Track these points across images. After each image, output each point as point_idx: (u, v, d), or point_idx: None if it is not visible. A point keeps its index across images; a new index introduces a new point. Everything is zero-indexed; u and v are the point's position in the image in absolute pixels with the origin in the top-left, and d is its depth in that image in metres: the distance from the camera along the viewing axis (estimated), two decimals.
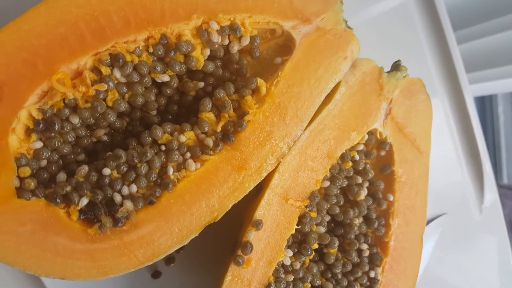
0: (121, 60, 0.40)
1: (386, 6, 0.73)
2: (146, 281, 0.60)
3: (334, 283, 0.55)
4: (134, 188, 0.46)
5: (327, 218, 0.56)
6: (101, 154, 0.48)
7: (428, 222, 0.75)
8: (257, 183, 0.50)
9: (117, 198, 0.46)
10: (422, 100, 0.56)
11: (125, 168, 0.46)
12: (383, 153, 0.57)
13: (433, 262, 0.77)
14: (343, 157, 0.54)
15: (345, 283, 0.55)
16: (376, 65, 0.53)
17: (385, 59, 0.56)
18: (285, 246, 0.52)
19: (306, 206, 0.52)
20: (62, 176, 0.45)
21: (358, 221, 0.56)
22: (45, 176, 0.45)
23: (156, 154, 0.47)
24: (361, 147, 0.55)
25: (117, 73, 0.41)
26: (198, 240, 0.62)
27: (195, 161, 0.48)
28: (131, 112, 0.49)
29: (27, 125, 0.41)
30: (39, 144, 0.42)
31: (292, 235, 0.53)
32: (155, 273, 0.60)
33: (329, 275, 0.55)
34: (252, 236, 0.49)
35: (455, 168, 0.81)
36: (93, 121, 0.46)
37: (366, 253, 0.56)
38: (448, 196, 0.79)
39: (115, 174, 0.46)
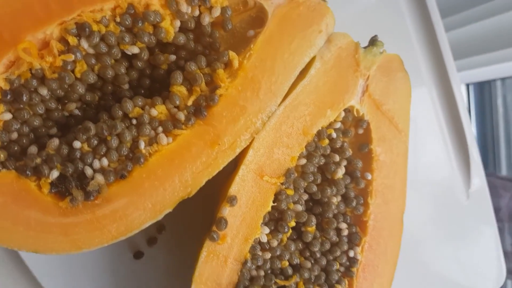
0: (87, 29, 0.40)
1: None
2: (128, 262, 0.61)
3: (312, 262, 0.54)
4: (105, 162, 0.47)
5: (305, 196, 0.55)
6: (73, 129, 0.48)
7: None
8: (231, 159, 0.50)
9: (88, 171, 0.46)
10: (400, 77, 0.56)
11: (96, 142, 0.46)
12: (360, 131, 0.56)
13: (416, 246, 0.76)
14: (319, 134, 0.53)
15: (324, 262, 0.55)
16: (352, 40, 0.53)
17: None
18: (262, 223, 0.52)
19: (282, 183, 0.52)
20: (33, 149, 0.46)
21: (336, 199, 0.56)
22: (16, 149, 0.46)
23: (127, 128, 0.47)
24: (338, 125, 0.55)
25: (84, 44, 0.42)
26: (180, 221, 0.62)
27: (167, 136, 0.48)
28: (102, 86, 0.50)
29: None
30: (8, 116, 0.43)
31: (268, 212, 0.53)
32: (137, 253, 0.61)
33: (308, 254, 0.55)
34: (227, 212, 0.49)
35: (442, 154, 0.80)
36: (62, 93, 0.47)
37: (345, 233, 0.56)
38: (434, 182, 0.78)
39: (85, 147, 0.47)
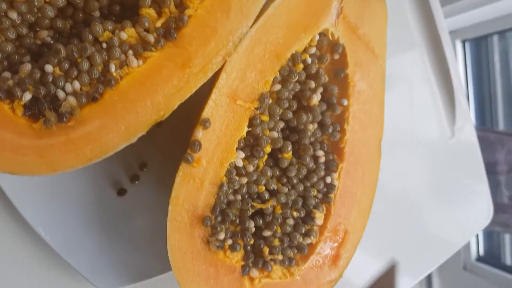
0: None
1: None
2: (111, 199, 0.63)
3: (289, 187, 0.55)
4: (77, 85, 0.48)
5: (281, 124, 0.56)
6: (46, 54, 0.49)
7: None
8: (202, 82, 0.51)
9: (61, 94, 0.48)
10: (376, 0, 0.56)
11: (67, 65, 0.47)
12: (336, 56, 0.57)
13: (397, 178, 0.77)
14: (293, 59, 0.54)
15: (301, 188, 0.56)
16: None
17: None
18: (237, 149, 0.53)
19: (256, 108, 0.53)
20: (6, 74, 0.46)
21: (312, 126, 0.57)
22: None
23: (98, 51, 0.47)
24: (313, 50, 0.56)
25: None
26: (161, 158, 0.63)
27: (137, 58, 0.49)
28: (73, 14, 0.50)
29: None
30: None
31: (244, 138, 0.54)
32: (120, 190, 0.62)
33: (285, 180, 0.56)
34: (200, 134, 0.50)
35: (434, 111, 0.80)
36: (33, 19, 0.48)
37: (322, 160, 0.57)
38: (419, 120, 0.79)
39: (57, 71, 0.48)
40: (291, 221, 0.57)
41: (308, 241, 0.57)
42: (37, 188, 0.60)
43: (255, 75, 0.54)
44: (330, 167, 0.59)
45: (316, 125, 0.59)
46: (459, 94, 0.83)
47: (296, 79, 0.57)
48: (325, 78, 0.58)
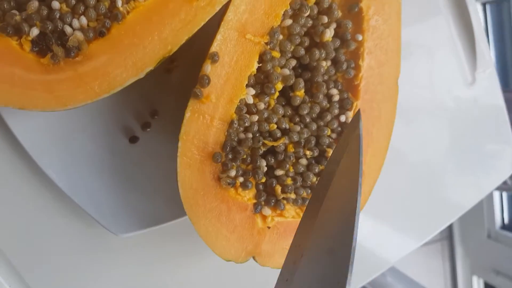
0: None
1: None
2: (124, 146, 0.64)
3: (302, 126, 0.55)
4: (84, 20, 0.49)
5: (293, 62, 0.56)
6: None
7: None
8: (210, 16, 0.52)
9: (68, 29, 0.49)
10: None
11: (74, 1, 0.48)
12: None
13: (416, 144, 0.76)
14: None
15: (314, 127, 0.55)
16: None
17: None
18: (247, 85, 0.52)
19: (266, 43, 0.53)
20: (13, 11, 0.47)
21: (325, 63, 0.55)
22: None
23: None
24: None
25: None
26: (173, 105, 0.63)
27: None
28: None
29: None
30: None
31: (254, 75, 0.54)
32: (132, 138, 0.63)
33: (297, 119, 0.55)
34: (209, 69, 0.50)
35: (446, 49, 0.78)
36: None
37: (336, 98, 0.57)
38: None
39: (64, 7, 0.49)
40: (304, 161, 0.57)
41: None
42: (50, 134, 0.61)
43: (265, 8, 0.53)
44: (344, 106, 0.58)
45: (329, 62, 0.58)
46: (480, 41, 0.80)
47: (307, 13, 0.56)
48: (338, 13, 0.57)
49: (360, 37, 0.58)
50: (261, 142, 0.55)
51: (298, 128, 0.56)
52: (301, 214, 0.57)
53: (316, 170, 0.57)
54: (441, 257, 1.76)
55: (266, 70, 0.55)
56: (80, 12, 0.49)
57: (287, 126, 0.57)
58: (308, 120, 0.57)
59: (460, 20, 0.79)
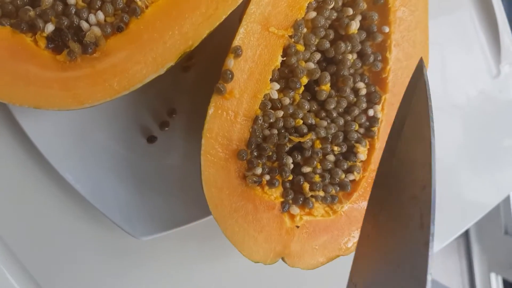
0: None
1: None
2: (141, 146, 0.61)
3: (328, 121, 0.52)
4: (101, 15, 0.47)
5: (318, 56, 0.53)
6: None
7: None
8: (232, 9, 0.49)
9: (84, 25, 0.46)
10: None
11: None
12: None
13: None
14: None
15: (341, 122, 0.52)
16: None
17: None
18: (271, 80, 0.49)
19: (290, 36, 0.50)
20: (27, 7, 0.44)
21: (351, 56, 0.52)
22: (10, 8, 0.44)
23: None
24: None
25: None
26: (192, 104, 0.61)
27: None
28: None
29: None
30: None
31: (278, 69, 0.51)
32: (150, 137, 0.60)
33: (323, 114, 0.52)
34: (232, 63, 0.47)
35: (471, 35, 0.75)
36: None
37: (363, 92, 0.54)
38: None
39: (80, 2, 0.46)
40: (331, 157, 0.54)
41: (351, 177, 0.54)
42: (66, 136, 0.59)
43: (288, 0, 0.50)
44: (372, 99, 0.55)
45: (355, 55, 0.55)
46: (504, 33, 0.77)
47: (332, 5, 0.53)
48: (363, 5, 0.54)
49: (386, 29, 0.55)
50: (287, 138, 0.51)
51: (325, 123, 0.53)
52: (331, 213, 0.54)
53: (345, 167, 0.54)
54: (458, 254, 1.72)
55: (291, 64, 0.52)
56: (97, 7, 0.47)
57: (314, 122, 0.53)
58: (335, 115, 0.54)
59: (483, 13, 0.76)
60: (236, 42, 0.49)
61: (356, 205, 0.54)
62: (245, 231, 0.50)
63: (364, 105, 0.55)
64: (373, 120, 0.55)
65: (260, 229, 0.51)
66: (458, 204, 0.79)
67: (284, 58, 0.51)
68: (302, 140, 0.52)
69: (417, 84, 0.38)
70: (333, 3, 0.53)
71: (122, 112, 0.61)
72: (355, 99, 0.55)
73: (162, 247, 0.64)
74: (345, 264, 0.51)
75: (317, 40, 0.53)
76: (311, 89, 0.55)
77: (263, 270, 0.55)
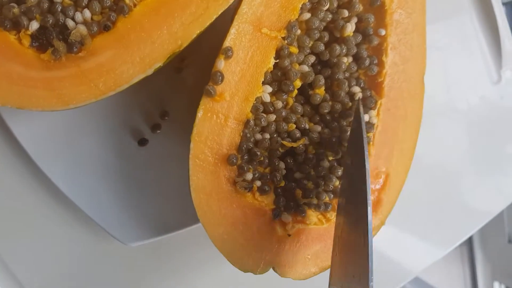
0: None
1: None
2: (132, 149, 0.59)
3: (322, 126, 0.49)
4: (87, 13, 0.45)
5: (312, 59, 0.51)
6: None
7: None
8: (223, 8, 0.47)
9: (70, 23, 0.45)
10: None
11: None
12: None
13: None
14: None
15: (335, 127, 0.50)
16: None
17: None
18: (263, 82, 0.48)
19: (283, 38, 0.48)
20: (12, 4, 0.43)
21: (346, 60, 0.50)
22: None
23: None
24: None
25: None
26: (184, 106, 0.59)
27: None
28: None
29: None
30: None
31: (271, 72, 0.49)
32: (141, 140, 0.58)
33: (317, 118, 0.50)
34: (222, 65, 0.45)
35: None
36: None
37: (359, 96, 0.51)
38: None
39: (66, 0, 0.44)
40: (325, 163, 0.52)
41: None
42: (54, 138, 0.57)
43: (282, 1, 0.49)
44: (367, 104, 0.53)
45: (350, 58, 0.53)
46: (505, 39, 0.75)
47: (327, 6, 0.51)
48: (359, 7, 0.52)
49: (383, 32, 0.53)
50: (279, 143, 0.49)
51: (318, 128, 0.51)
52: (324, 221, 0.51)
53: (339, 173, 0.52)
54: (461, 262, 1.69)
55: (284, 67, 0.50)
56: (84, 4, 0.45)
57: (307, 126, 0.51)
58: (329, 119, 0.52)
59: (484, 18, 0.74)
60: (227, 43, 0.47)
61: None
62: (235, 239, 0.48)
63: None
64: (368, 126, 0.53)
65: (250, 237, 0.49)
66: (461, 211, 0.76)
67: (277, 61, 0.49)
68: (295, 145, 0.50)
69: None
70: (328, 4, 0.51)
71: (112, 114, 0.59)
72: (350, 103, 0.53)
73: (151, 254, 0.62)
74: None
75: (311, 42, 0.51)
76: (304, 93, 0.53)
77: (253, 279, 0.52)
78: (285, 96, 0.50)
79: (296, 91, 0.51)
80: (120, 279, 0.62)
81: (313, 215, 0.51)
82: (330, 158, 0.52)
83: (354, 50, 0.52)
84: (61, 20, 0.44)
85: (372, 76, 0.54)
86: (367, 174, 0.43)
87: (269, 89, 0.50)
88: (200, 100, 0.48)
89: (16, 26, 0.44)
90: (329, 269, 0.51)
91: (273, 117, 0.50)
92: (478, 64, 0.74)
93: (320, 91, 0.52)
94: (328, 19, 0.52)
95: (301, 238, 0.50)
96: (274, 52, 0.49)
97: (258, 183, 0.49)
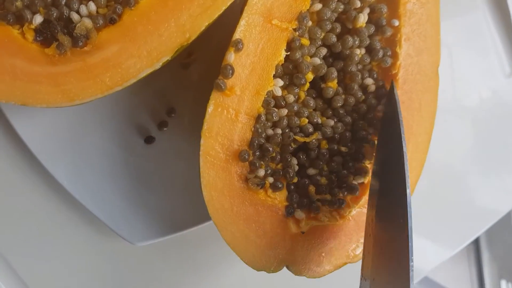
0: None
1: None
2: (139, 147, 0.57)
3: (335, 120, 0.48)
4: (92, 6, 0.44)
5: (323, 51, 0.50)
6: None
7: None
8: (232, 0, 0.44)
9: (75, 16, 0.43)
10: None
11: None
12: None
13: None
14: None
15: (348, 120, 0.48)
16: None
17: None
18: (274, 76, 0.46)
19: (294, 30, 0.46)
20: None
21: (359, 51, 0.49)
22: None
23: None
24: None
25: None
26: (192, 103, 0.58)
27: None
28: None
29: None
30: None
31: (282, 65, 0.47)
32: (148, 138, 0.57)
33: (330, 112, 0.49)
34: (232, 58, 0.44)
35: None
36: None
37: (372, 88, 0.50)
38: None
39: None
40: (339, 158, 0.50)
41: (360, 180, 0.50)
42: (60, 136, 0.56)
43: None
44: (381, 97, 0.51)
45: (363, 50, 0.51)
46: None
47: None
48: None
49: (396, 23, 0.51)
50: (291, 139, 0.48)
51: (331, 122, 0.50)
52: (338, 218, 0.50)
53: (353, 169, 0.50)
54: (467, 261, 1.67)
55: (295, 59, 0.48)
56: None
57: (320, 121, 0.50)
58: (342, 113, 0.50)
59: (497, 10, 0.72)
60: (237, 35, 0.45)
61: (365, 210, 0.50)
62: (247, 237, 0.47)
63: (373, 102, 0.51)
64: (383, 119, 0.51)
65: (263, 235, 0.47)
66: (469, 211, 0.75)
67: (288, 53, 0.48)
68: (307, 140, 0.48)
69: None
70: None
71: (118, 112, 0.58)
72: (363, 96, 0.51)
73: (159, 253, 0.60)
74: (353, 272, 0.47)
75: (323, 34, 0.50)
76: (316, 86, 0.51)
77: (266, 278, 0.51)
78: (296, 90, 0.49)
79: (308, 85, 0.49)
80: (127, 280, 0.60)
81: (327, 212, 0.49)
82: (344, 154, 0.50)
83: (367, 42, 0.51)
84: (65, 14, 0.43)
85: (385, 68, 0.52)
86: (404, 156, 0.42)
87: (280, 82, 0.48)
88: (210, 95, 0.46)
89: (20, 20, 0.42)
90: (343, 267, 0.49)
91: (284, 111, 0.48)
92: (490, 58, 0.72)
93: (333, 84, 0.50)
94: (340, 9, 0.50)
95: (315, 236, 0.49)
96: (285, 44, 0.48)
97: (271, 179, 0.47)
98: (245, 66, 0.46)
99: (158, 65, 0.45)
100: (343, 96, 0.50)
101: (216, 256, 0.61)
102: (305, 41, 0.49)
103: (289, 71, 0.49)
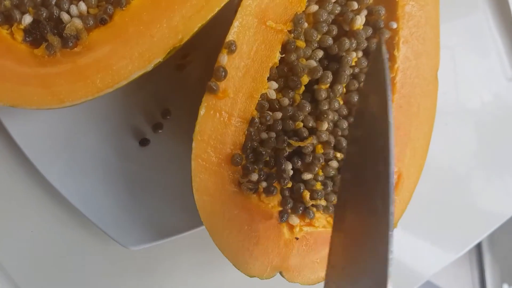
0: None
1: None
2: (133, 150, 0.56)
3: (330, 124, 0.47)
4: (83, 6, 0.43)
5: (320, 53, 0.48)
6: None
7: None
8: (226, 0, 0.43)
9: (65, 16, 0.42)
10: None
11: None
12: None
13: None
14: None
15: (344, 125, 0.47)
16: None
17: None
18: (269, 78, 0.45)
19: (290, 31, 0.45)
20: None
21: (356, 54, 0.47)
22: None
23: None
24: None
25: None
26: (187, 104, 0.57)
27: None
28: None
29: None
30: None
31: (277, 68, 0.46)
32: (143, 140, 0.56)
33: (325, 116, 0.47)
34: (225, 60, 0.42)
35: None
36: None
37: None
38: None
39: None
40: (334, 163, 0.49)
41: None
42: (52, 138, 0.55)
43: None
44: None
45: (360, 53, 0.50)
46: None
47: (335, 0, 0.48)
48: None
49: (394, 25, 0.50)
50: (286, 143, 0.47)
51: (326, 125, 0.48)
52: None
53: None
54: (469, 264, 1.65)
55: (290, 62, 0.47)
56: None
57: (315, 125, 0.48)
58: (337, 118, 0.49)
59: (499, 13, 0.71)
60: (230, 36, 0.44)
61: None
62: (240, 243, 0.46)
63: None
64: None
65: (256, 241, 0.46)
66: (472, 214, 0.73)
67: (283, 55, 0.47)
68: (302, 144, 0.47)
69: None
70: None
71: (112, 113, 0.57)
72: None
73: (153, 258, 0.59)
74: None
75: (319, 36, 0.48)
76: (311, 89, 0.50)
77: (259, 285, 0.49)
78: (291, 93, 0.47)
79: (303, 88, 0.48)
80: (121, 284, 0.59)
81: (321, 218, 0.48)
82: (339, 158, 0.49)
83: (365, 44, 0.49)
84: (55, 14, 0.42)
85: None
86: (390, 131, 0.31)
87: (275, 85, 0.47)
88: (203, 97, 0.45)
89: (8, 20, 0.42)
90: None
91: (279, 114, 0.47)
92: (492, 61, 0.71)
93: (325, 87, 0.49)
94: (336, 11, 0.49)
95: (309, 242, 0.47)
96: (280, 47, 0.46)
97: (264, 184, 0.46)
98: (239, 68, 0.45)
99: (150, 67, 0.44)
100: (340, 100, 0.49)
101: (210, 261, 0.60)
102: (301, 43, 0.48)
103: (284, 74, 0.48)
